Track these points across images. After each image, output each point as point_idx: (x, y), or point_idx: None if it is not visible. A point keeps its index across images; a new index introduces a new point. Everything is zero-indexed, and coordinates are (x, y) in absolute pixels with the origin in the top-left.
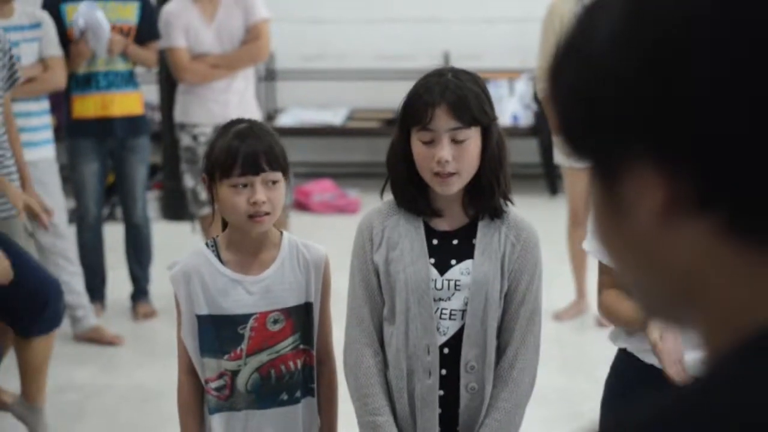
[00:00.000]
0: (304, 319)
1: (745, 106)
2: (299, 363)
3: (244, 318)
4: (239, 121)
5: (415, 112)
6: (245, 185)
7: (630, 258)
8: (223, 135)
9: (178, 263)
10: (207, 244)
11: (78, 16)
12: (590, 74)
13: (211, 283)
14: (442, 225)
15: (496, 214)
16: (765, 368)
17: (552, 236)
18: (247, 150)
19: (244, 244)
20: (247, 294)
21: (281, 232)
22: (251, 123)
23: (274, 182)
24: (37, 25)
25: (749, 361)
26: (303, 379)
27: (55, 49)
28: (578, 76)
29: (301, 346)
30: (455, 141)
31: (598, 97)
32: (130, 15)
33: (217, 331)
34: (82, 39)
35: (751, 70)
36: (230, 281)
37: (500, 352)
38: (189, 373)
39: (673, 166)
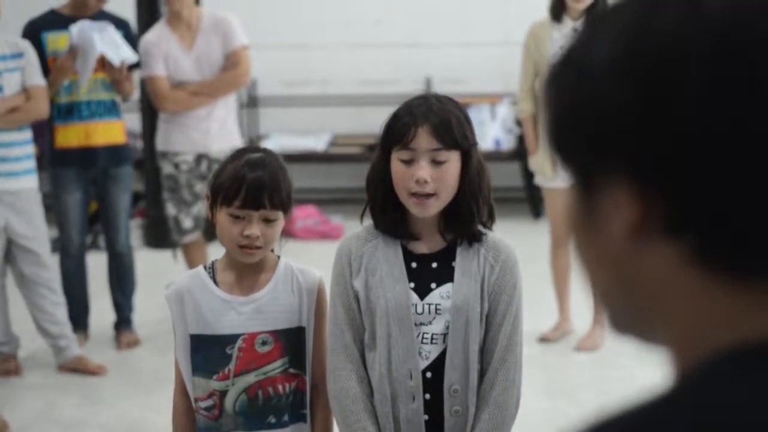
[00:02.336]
0: (295, 343)
1: (721, 142)
2: (288, 387)
3: (232, 338)
4: (255, 149)
5: (397, 132)
6: (242, 217)
7: (601, 271)
8: (235, 160)
9: (174, 283)
10: (205, 267)
11: (73, 30)
12: (582, 90)
13: (203, 304)
14: (420, 248)
15: (475, 238)
16: (725, 389)
17: (536, 259)
18: (253, 184)
19: (240, 266)
20: (236, 314)
21: (278, 257)
22: (265, 154)
23: (273, 221)
24: (19, 55)
25: (710, 381)
26: (293, 403)
27: (37, 79)
28: (570, 88)
29: (291, 370)
30: (435, 162)
31: (586, 111)
32: None
33: (207, 351)
34: (69, 54)
35: (734, 114)
36: (221, 302)
37: (482, 374)
38: (184, 394)
39: (645, 189)
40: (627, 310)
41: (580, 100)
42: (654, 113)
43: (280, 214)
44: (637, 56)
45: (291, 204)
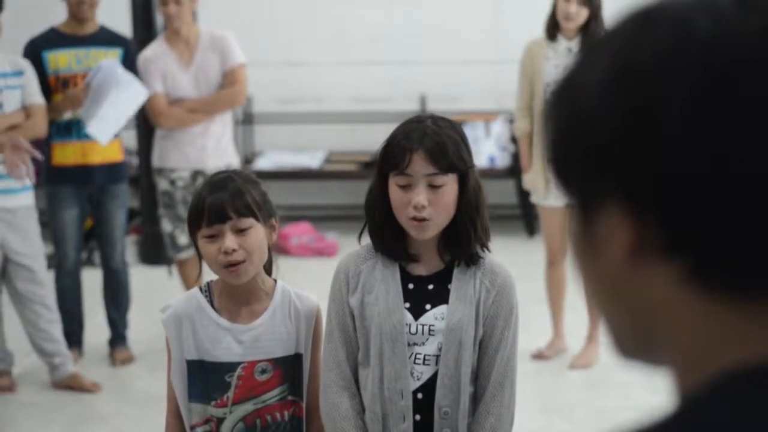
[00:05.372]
0: (293, 370)
1: (709, 165)
2: (287, 414)
3: (231, 366)
4: (221, 172)
5: (393, 157)
6: (215, 235)
7: (603, 294)
8: (200, 187)
9: (171, 306)
10: (201, 289)
11: (102, 66)
12: (576, 118)
13: (202, 329)
14: (418, 269)
15: (472, 260)
16: (729, 410)
17: (530, 277)
18: (213, 200)
19: (236, 291)
20: (236, 342)
21: (275, 281)
22: (230, 173)
23: (246, 229)
24: (19, 73)
25: (711, 403)
26: (291, 430)
27: (37, 98)
28: (566, 117)
29: (290, 398)
30: (432, 186)
31: (580, 139)
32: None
33: (205, 377)
34: (85, 88)
35: (720, 137)
36: (220, 329)
37: (477, 398)
38: (177, 417)
39: (640, 212)
40: (630, 333)
41: (573, 128)
42: (643, 138)
43: (251, 221)
44: (625, 82)
45: (265, 210)
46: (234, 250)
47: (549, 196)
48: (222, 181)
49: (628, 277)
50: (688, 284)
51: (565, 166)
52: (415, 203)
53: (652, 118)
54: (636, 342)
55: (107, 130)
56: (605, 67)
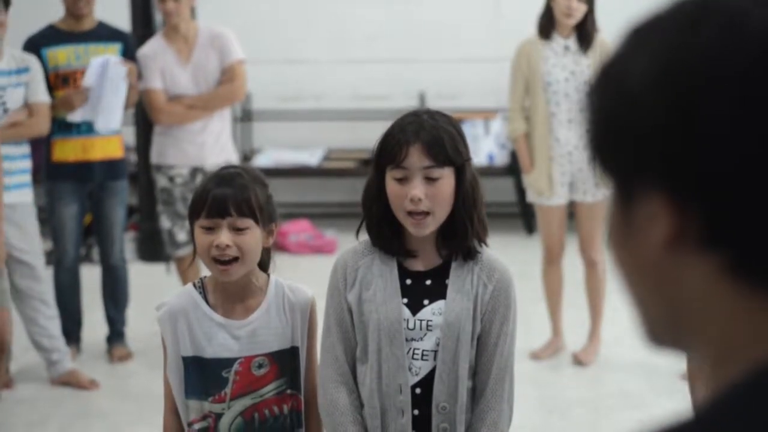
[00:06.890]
0: (289, 364)
1: (754, 161)
2: (285, 408)
3: (228, 362)
4: (231, 167)
5: (389, 151)
6: (212, 228)
7: (639, 282)
8: (208, 178)
9: (166, 304)
10: (194, 285)
11: (92, 65)
12: (621, 104)
13: (197, 326)
14: (415, 265)
15: (470, 255)
16: (761, 408)
17: (528, 275)
18: (217, 194)
19: (230, 287)
20: (232, 338)
21: (268, 275)
22: (239, 169)
23: (243, 229)
24: (24, 70)
25: (746, 399)
26: (290, 424)
27: (42, 96)
28: (611, 102)
29: (288, 391)
30: (428, 179)
31: (625, 125)
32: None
33: (202, 374)
34: (83, 92)
35: (767, 133)
36: (216, 325)
37: (477, 393)
38: (175, 414)
39: (682, 201)
40: (664, 321)
41: (618, 116)
42: (689, 130)
43: (250, 222)
44: (675, 73)
45: (266, 213)
46: (227, 246)
47: (552, 196)
48: (230, 176)
49: (666, 265)
50: (727, 276)
51: (607, 155)
52: (412, 196)
53: (700, 111)
54: (670, 330)
55: (116, 117)
56: (652, 59)
